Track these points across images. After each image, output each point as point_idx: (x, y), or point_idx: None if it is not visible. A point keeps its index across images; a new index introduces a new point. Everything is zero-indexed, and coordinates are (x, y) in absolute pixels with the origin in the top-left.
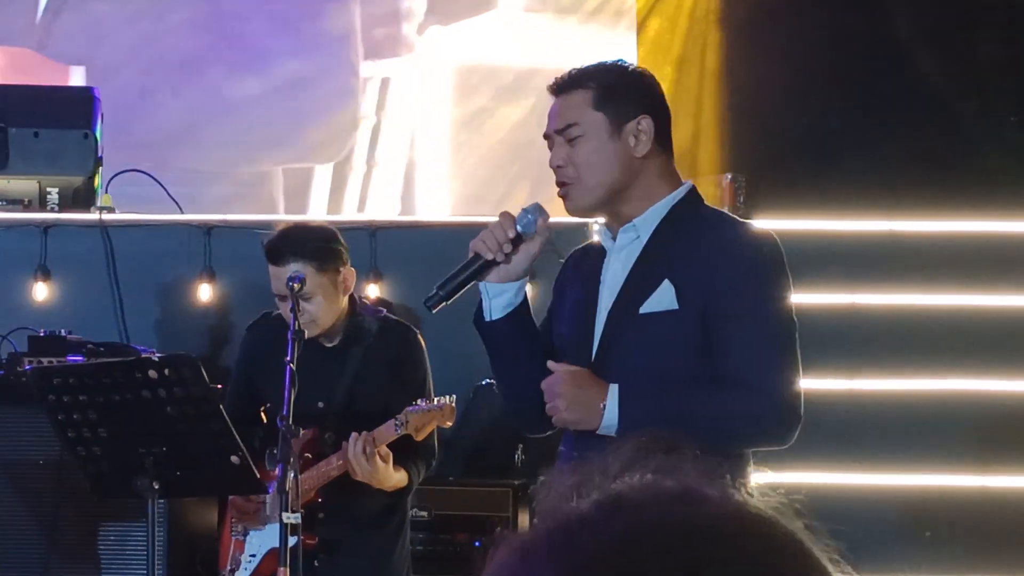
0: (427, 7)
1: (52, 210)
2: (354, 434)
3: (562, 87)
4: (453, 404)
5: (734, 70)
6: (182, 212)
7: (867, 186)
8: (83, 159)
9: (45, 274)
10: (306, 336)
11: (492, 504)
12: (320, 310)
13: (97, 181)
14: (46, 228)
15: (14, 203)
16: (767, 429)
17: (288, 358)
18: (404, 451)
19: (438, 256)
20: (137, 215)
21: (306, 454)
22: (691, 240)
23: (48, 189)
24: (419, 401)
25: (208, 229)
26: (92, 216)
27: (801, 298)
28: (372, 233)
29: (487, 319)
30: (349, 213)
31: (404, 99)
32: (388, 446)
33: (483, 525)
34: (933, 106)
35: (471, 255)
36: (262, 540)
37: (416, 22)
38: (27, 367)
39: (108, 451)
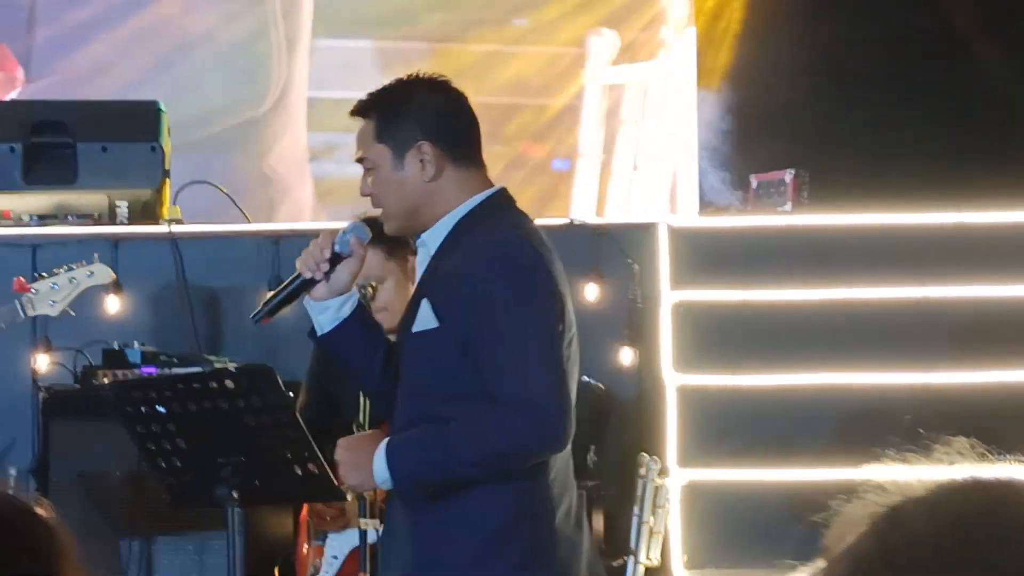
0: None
1: (122, 223)
2: None
3: (354, 113)
4: None
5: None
6: (249, 222)
7: (929, 178)
8: (150, 172)
9: (116, 287)
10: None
11: None
12: (391, 296)
13: (165, 193)
14: (116, 241)
15: (84, 217)
16: (528, 443)
17: None
18: None
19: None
20: (206, 226)
21: None
22: (459, 255)
23: (117, 203)
24: None
25: (276, 239)
26: (161, 228)
27: (868, 292)
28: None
29: (318, 334)
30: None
31: (662, 102)
32: None
33: None
34: (992, 96)
35: (296, 273)
36: (342, 542)
37: (673, 25)
38: (105, 381)
39: (187, 462)
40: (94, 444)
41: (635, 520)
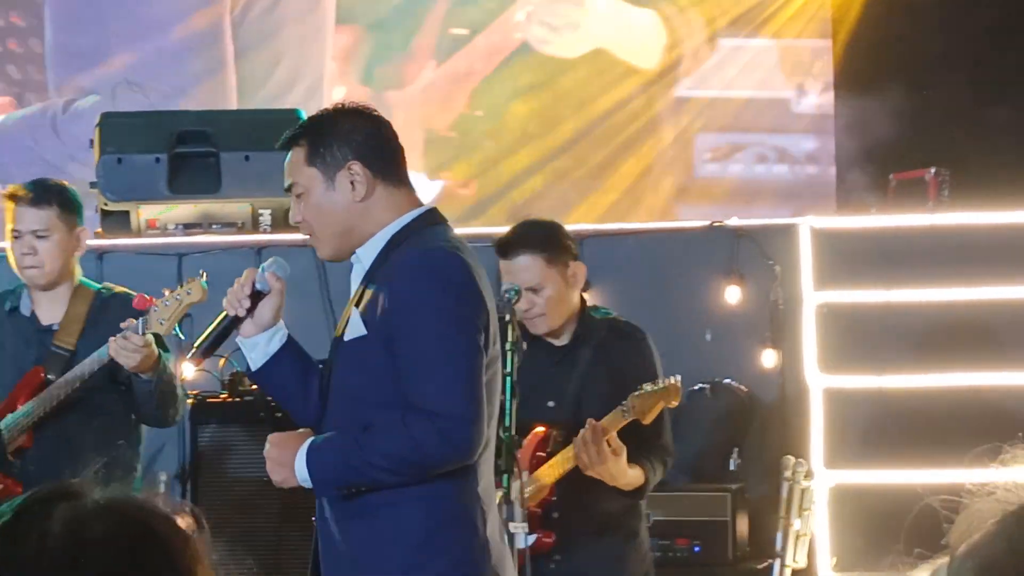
0: None
1: (264, 231)
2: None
3: (282, 145)
4: (679, 383)
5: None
6: None
7: None
8: None
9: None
10: (539, 331)
11: (710, 509)
12: (550, 304)
13: None
14: (260, 249)
15: (228, 226)
16: (434, 452)
17: (508, 369)
18: (640, 448)
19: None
20: None
21: (538, 452)
22: (388, 268)
23: (260, 211)
24: (644, 385)
25: None
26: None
27: (1011, 291)
28: (579, 242)
29: (252, 370)
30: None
31: None
32: (624, 442)
33: (702, 530)
34: None
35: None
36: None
37: None
38: (253, 387)
39: None
40: (241, 449)
41: (780, 523)
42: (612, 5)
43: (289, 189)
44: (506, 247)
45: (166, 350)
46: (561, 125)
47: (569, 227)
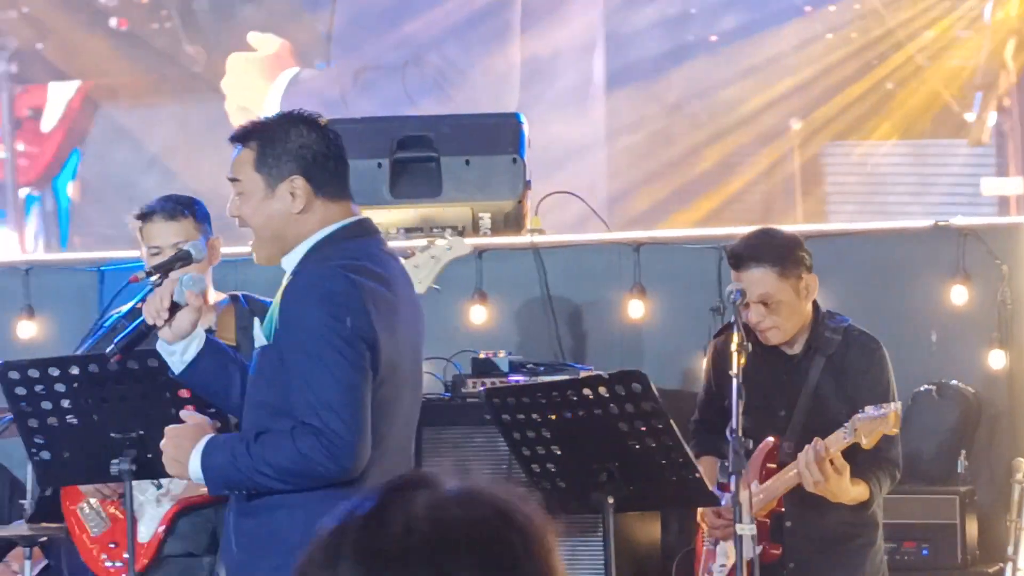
0: None
1: (484, 234)
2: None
3: (234, 139)
4: (899, 410)
5: None
6: (609, 230)
7: None
8: (513, 183)
9: (482, 297)
10: (771, 343)
11: (939, 512)
12: (781, 317)
13: (526, 204)
14: (480, 252)
15: (448, 229)
16: (317, 467)
17: (734, 371)
18: (866, 462)
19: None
20: (568, 236)
21: (768, 464)
22: (294, 279)
23: (480, 214)
24: (867, 408)
25: (637, 247)
26: (524, 239)
27: None
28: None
29: (174, 374)
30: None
31: None
32: (848, 459)
33: (930, 533)
34: None
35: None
36: (728, 551)
37: None
38: (481, 388)
39: (562, 468)
40: (465, 451)
41: (1012, 526)
42: None
43: (233, 181)
44: (738, 259)
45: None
46: None
47: (793, 228)
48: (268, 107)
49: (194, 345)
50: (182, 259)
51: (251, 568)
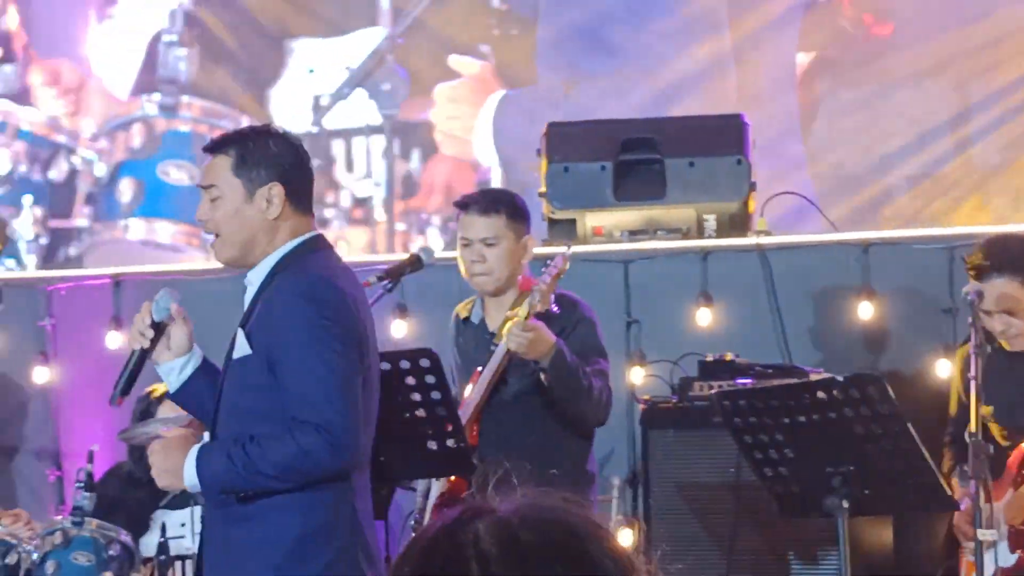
0: None
1: (709, 237)
2: None
3: (208, 149)
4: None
5: None
6: (837, 231)
7: None
8: (737, 185)
9: (707, 299)
10: (1017, 348)
11: None
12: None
13: (751, 205)
14: (705, 254)
15: (673, 232)
16: (321, 462)
17: (971, 373)
18: None
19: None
20: (795, 236)
21: (1022, 470)
22: (271, 291)
23: (705, 216)
24: None
25: (866, 247)
26: (749, 240)
27: None
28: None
29: (171, 392)
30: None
31: None
32: None
33: None
34: None
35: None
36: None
37: None
38: (711, 391)
39: (795, 471)
40: (692, 454)
41: None
42: None
43: (205, 188)
44: (979, 270)
45: None
46: None
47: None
48: (478, 131)
49: (192, 363)
50: (412, 264)
51: (251, 572)
